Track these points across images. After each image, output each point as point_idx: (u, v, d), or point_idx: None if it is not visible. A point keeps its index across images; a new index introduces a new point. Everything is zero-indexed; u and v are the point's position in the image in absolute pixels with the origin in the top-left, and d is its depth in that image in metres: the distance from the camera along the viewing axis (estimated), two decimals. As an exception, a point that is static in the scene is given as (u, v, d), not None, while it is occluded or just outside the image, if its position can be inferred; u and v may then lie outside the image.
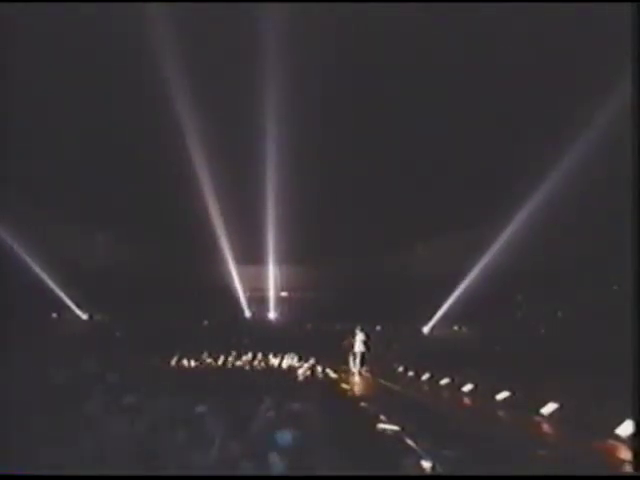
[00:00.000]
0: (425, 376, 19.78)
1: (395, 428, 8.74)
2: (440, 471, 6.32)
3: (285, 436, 6.11)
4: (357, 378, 21.50)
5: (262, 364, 21.95)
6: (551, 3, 17.17)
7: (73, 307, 28.22)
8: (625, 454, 8.08)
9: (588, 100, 16.86)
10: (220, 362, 21.68)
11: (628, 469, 7.22)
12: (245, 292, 31.81)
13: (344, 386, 17.65)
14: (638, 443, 6.67)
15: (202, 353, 22.09)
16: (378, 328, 28.16)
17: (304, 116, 21.72)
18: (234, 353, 23.05)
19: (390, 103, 22.93)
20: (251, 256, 30.43)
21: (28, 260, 24.70)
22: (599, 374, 12.92)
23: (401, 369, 22.89)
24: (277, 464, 5.41)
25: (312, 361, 21.65)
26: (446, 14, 18.85)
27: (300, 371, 19.44)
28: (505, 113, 21.24)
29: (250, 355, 23.10)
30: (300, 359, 22.39)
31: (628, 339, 6.42)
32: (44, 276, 25.41)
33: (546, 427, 10.88)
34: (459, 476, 6.02)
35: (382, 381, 20.48)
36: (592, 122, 17.53)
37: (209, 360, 21.65)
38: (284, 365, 21.62)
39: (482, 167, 23.31)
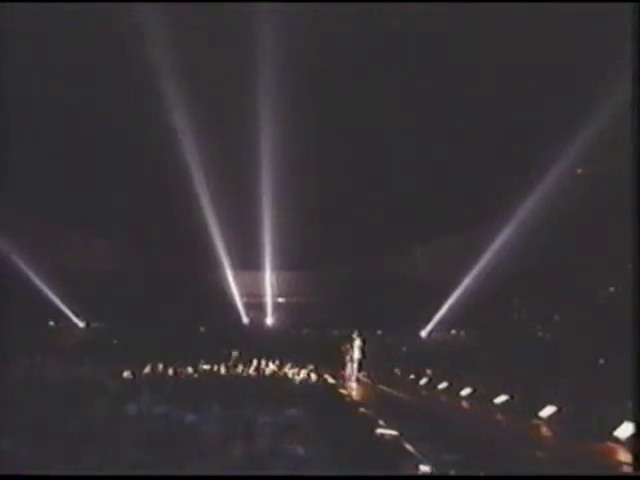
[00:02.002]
0: (423, 380, 19.80)
1: (394, 433, 8.73)
2: (438, 474, 6.33)
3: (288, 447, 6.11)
4: (355, 383, 21.50)
5: (260, 371, 21.92)
6: (551, 3, 17.20)
7: (70, 315, 28.16)
8: (623, 456, 8.08)
9: (587, 100, 16.91)
10: (218, 369, 21.63)
11: (627, 470, 7.23)
12: (242, 298, 31.74)
13: (342, 391, 17.65)
14: (637, 444, 6.67)
15: (199, 360, 22.02)
16: (379, 332, 28.19)
17: (301, 121, 21.73)
18: (232, 360, 23.01)
19: (389, 106, 22.93)
20: (248, 262, 30.38)
21: (25, 268, 24.65)
22: (597, 377, 12.95)
23: (399, 373, 22.91)
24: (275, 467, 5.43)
25: (311, 367, 21.63)
26: (446, 14, 18.87)
27: (299, 377, 19.45)
28: (504, 115, 21.25)
29: (248, 362, 23.05)
30: (299, 365, 22.35)
31: (626, 341, 6.43)
32: (41, 284, 25.35)
33: (545, 430, 10.90)
34: (459, 476, 6.02)
35: (380, 386, 20.49)
36: (591, 122, 17.59)
37: (206, 367, 21.60)
38: (282, 372, 21.60)
39: (479, 170, 23.32)
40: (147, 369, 19.10)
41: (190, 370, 20.29)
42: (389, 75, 21.97)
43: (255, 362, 23.23)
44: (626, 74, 7.52)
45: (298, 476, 5.12)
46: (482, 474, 6.25)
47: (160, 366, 19.68)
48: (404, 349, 28.08)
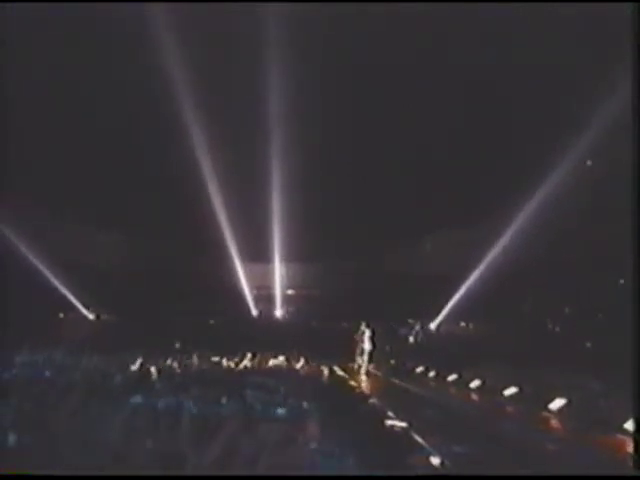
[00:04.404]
0: (432, 372, 19.79)
1: (403, 424, 8.75)
2: (449, 466, 6.32)
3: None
4: (364, 375, 21.50)
5: (270, 364, 21.94)
6: (551, 3, 17.24)
7: (80, 307, 28.28)
8: (633, 448, 8.05)
9: (589, 97, 16.93)
10: (227, 362, 21.64)
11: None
12: (252, 290, 31.78)
13: (352, 383, 17.67)
14: (638, 443, 6.63)
15: (209, 353, 22.02)
16: (389, 324, 28.19)
17: (309, 116, 21.73)
18: (241, 353, 23.01)
19: (393, 101, 22.90)
20: (258, 254, 30.41)
21: (35, 261, 24.75)
22: (606, 369, 12.90)
23: (409, 366, 22.91)
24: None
25: (320, 360, 21.61)
26: (447, 14, 18.89)
27: (309, 369, 19.48)
28: (508, 111, 21.23)
29: (259, 355, 23.07)
30: (307, 358, 22.33)
31: (635, 334, 6.40)
32: (51, 277, 25.45)
33: (554, 422, 10.88)
34: (462, 476, 6.02)
35: (389, 378, 20.50)
36: (591, 121, 17.61)
37: (216, 359, 21.62)
38: (293, 365, 21.59)
39: (488, 164, 23.27)
40: (155, 361, 19.12)
41: (198, 362, 20.33)
42: (392, 73, 21.97)
43: (264, 355, 23.26)
44: (626, 73, 7.51)
45: (298, 476, 5.13)
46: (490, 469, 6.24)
47: (169, 359, 19.72)
48: (413, 341, 28.07)
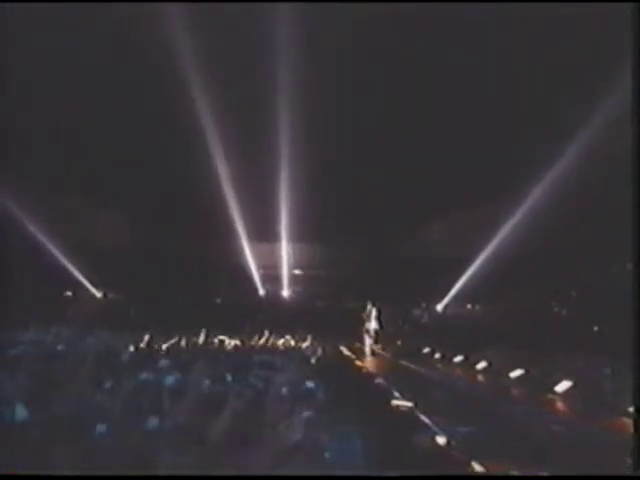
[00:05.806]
0: (438, 354, 19.81)
1: (409, 404, 8.78)
2: (454, 446, 6.33)
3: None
4: (371, 356, 21.54)
5: (276, 343, 21.97)
6: (551, 3, 17.19)
7: (88, 285, 28.41)
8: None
9: (589, 96, 17.02)
10: (234, 340, 21.68)
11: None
12: (259, 270, 31.86)
13: (358, 363, 17.72)
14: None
15: (216, 331, 22.04)
16: (394, 305, 28.21)
17: (319, 92, 21.65)
18: (248, 332, 23.04)
19: (405, 82, 22.82)
20: (265, 234, 30.45)
21: (43, 239, 24.84)
22: (613, 353, 12.88)
23: (415, 347, 22.94)
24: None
25: (327, 339, 21.64)
26: (447, 14, 18.88)
27: (315, 349, 19.50)
28: (521, 95, 21.21)
29: (264, 334, 23.09)
30: (313, 338, 22.35)
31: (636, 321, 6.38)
32: (59, 254, 25.55)
33: (560, 404, 10.88)
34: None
35: (396, 359, 20.53)
36: (596, 111, 17.63)
37: (222, 337, 21.64)
38: (299, 344, 21.61)
39: (497, 148, 23.23)
40: (162, 339, 19.16)
41: (205, 340, 20.35)
42: (401, 56, 21.92)
43: (270, 334, 23.29)
44: (626, 73, 7.45)
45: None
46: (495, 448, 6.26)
47: (176, 337, 19.76)
48: (420, 323, 28.11)
